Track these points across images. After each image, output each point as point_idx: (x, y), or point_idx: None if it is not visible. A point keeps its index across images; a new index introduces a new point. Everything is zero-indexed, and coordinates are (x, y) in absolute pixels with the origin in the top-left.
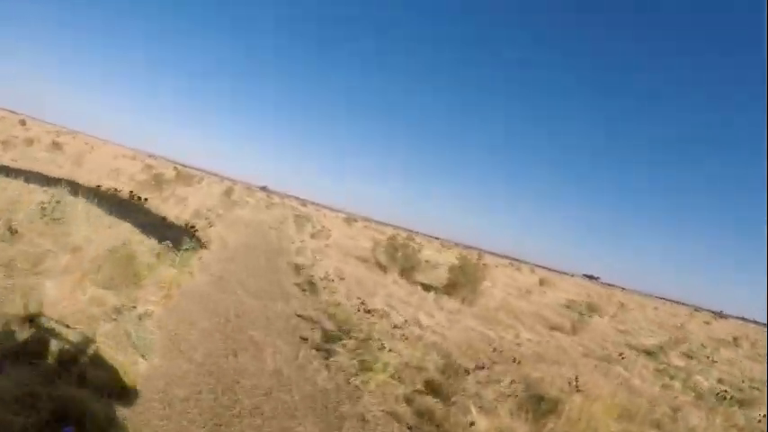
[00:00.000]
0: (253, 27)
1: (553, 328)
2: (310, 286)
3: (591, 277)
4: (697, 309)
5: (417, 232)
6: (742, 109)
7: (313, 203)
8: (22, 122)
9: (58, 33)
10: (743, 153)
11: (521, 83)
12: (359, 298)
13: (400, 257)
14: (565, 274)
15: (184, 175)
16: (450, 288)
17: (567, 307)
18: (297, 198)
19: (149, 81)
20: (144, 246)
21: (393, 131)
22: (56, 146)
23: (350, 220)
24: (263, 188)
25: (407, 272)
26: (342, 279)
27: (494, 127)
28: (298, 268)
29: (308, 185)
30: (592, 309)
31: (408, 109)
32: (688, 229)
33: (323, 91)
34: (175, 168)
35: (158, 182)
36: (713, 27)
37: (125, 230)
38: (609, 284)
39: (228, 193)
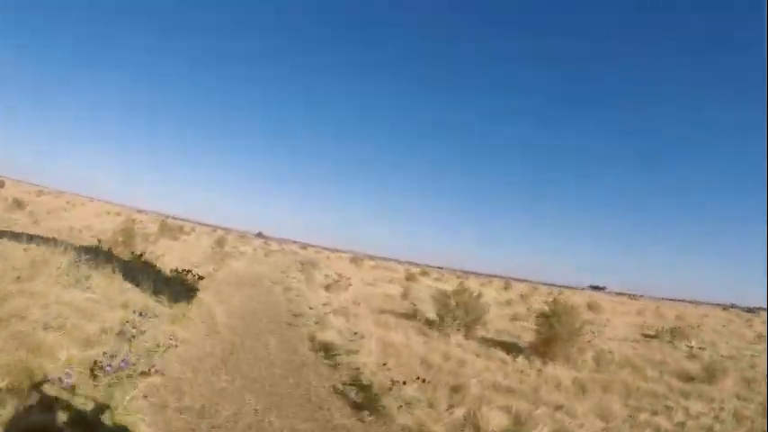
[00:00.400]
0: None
1: (683, 377)
2: (364, 395)
3: (597, 288)
4: (725, 308)
5: (417, 263)
6: (741, 108)
7: (312, 246)
8: (0, 184)
9: (45, 93)
10: (739, 153)
11: (506, 86)
12: (452, 406)
13: (458, 310)
14: (573, 288)
15: (170, 228)
16: (543, 347)
17: (652, 336)
18: (294, 242)
19: (142, 138)
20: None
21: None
22: (17, 204)
23: (357, 260)
24: (259, 234)
25: (470, 328)
26: (423, 381)
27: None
28: (329, 354)
29: (300, 226)
30: (676, 335)
31: (381, 125)
32: (670, 227)
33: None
34: (162, 221)
35: (128, 237)
36: (713, 27)
37: (23, 332)
38: (619, 293)
39: (221, 243)
